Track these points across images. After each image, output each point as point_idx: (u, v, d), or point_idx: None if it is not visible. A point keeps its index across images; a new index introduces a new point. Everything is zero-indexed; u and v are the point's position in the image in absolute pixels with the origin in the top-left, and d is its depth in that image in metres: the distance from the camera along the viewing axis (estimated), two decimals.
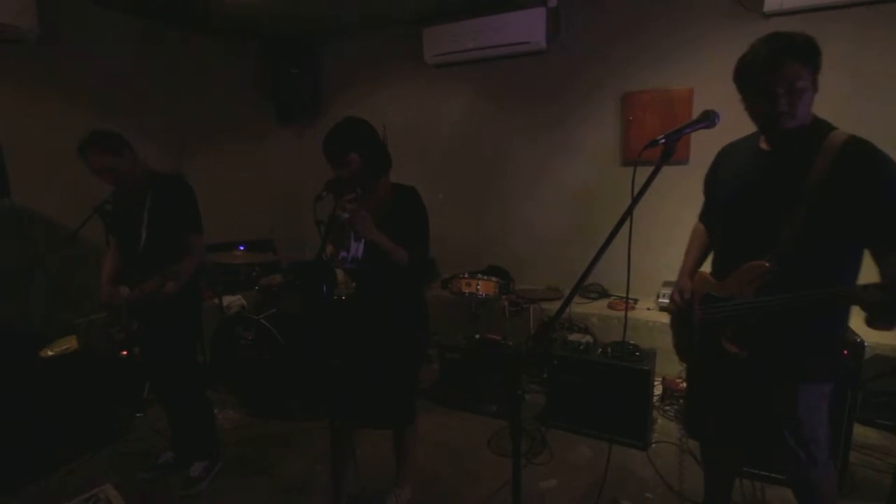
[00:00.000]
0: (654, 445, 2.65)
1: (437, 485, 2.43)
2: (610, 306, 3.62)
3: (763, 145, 1.47)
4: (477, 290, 3.21)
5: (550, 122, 3.96)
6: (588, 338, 3.02)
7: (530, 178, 4.11)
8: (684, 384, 2.84)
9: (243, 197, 4.69)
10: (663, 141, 1.25)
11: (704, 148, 1.83)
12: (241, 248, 3.74)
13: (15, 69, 3.27)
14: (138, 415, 3.08)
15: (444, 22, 3.93)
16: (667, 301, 1.78)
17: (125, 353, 3.03)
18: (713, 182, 1.66)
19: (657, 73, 3.50)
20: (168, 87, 4.12)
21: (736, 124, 1.52)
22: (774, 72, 1.28)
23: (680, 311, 1.69)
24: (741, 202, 1.47)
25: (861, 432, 2.57)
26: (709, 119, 1.28)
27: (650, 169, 1.29)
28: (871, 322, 1.18)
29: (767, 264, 1.34)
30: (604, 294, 3.81)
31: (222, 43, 4.52)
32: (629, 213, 1.22)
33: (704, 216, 1.79)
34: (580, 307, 3.61)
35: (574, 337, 2.97)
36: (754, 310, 1.39)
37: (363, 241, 1.79)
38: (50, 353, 2.91)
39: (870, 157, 1.27)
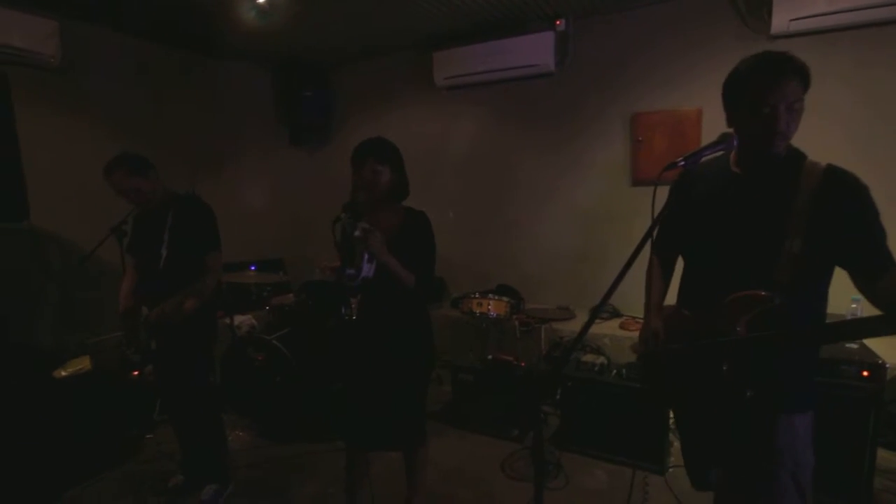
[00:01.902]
0: (671, 470, 2.59)
1: None
2: (622, 326, 3.59)
3: (735, 168, 1.39)
4: (488, 309, 3.20)
5: (560, 143, 4.00)
6: (602, 359, 2.99)
7: (540, 197, 4.13)
8: None
9: (254, 217, 4.74)
10: (682, 163, 1.26)
11: None
12: (253, 267, 3.76)
13: (37, 93, 3.36)
14: (148, 436, 3.06)
15: (454, 46, 4.01)
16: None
17: (136, 373, 3.03)
18: (683, 207, 1.49)
19: (665, 95, 3.53)
20: (183, 109, 4.21)
21: None
22: (780, 87, 1.21)
23: (657, 355, 1.53)
24: (723, 230, 1.37)
25: (885, 456, 2.51)
26: (727, 142, 1.27)
27: (664, 188, 1.29)
28: None
29: (764, 293, 1.23)
30: (615, 314, 3.78)
31: (237, 66, 4.62)
32: (650, 234, 1.22)
33: (664, 246, 1.64)
34: (593, 327, 3.54)
35: (588, 358, 2.94)
36: (768, 343, 1.25)
37: (376, 261, 1.80)
38: (63, 373, 2.92)
39: (854, 184, 1.24)
